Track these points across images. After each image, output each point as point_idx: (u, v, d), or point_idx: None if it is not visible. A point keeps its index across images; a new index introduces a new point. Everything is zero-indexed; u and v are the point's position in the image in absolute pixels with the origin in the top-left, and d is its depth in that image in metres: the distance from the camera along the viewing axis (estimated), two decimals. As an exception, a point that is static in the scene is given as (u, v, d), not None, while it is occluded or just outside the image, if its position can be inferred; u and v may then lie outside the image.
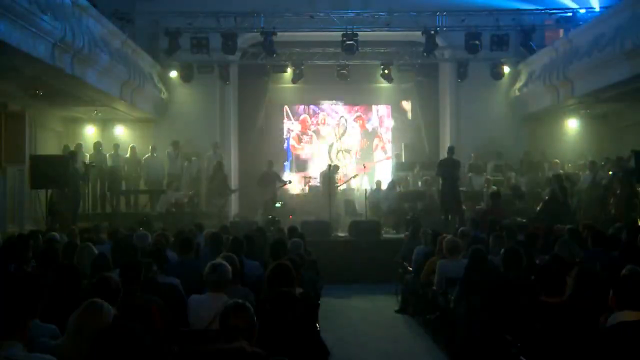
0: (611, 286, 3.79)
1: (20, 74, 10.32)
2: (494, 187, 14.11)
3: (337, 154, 19.62)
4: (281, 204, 15.77)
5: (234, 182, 17.20)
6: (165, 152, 16.11)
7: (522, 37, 15.00)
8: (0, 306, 3.32)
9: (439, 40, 15.30)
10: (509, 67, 16.59)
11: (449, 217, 13.37)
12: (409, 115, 19.35)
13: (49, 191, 11.91)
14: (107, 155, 15.45)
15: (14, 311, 3.27)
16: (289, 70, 16.85)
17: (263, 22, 14.98)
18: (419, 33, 14.98)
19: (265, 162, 16.82)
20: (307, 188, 17.48)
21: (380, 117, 19.85)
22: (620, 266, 5.05)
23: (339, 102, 19.61)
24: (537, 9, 15.56)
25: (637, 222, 11.21)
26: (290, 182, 17.25)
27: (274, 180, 16.09)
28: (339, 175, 17.23)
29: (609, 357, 3.53)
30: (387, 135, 19.74)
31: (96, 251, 6.40)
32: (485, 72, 16.30)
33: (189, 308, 4.84)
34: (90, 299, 3.57)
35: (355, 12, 15.41)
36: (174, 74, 16.55)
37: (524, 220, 11.45)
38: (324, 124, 19.69)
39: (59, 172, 11.49)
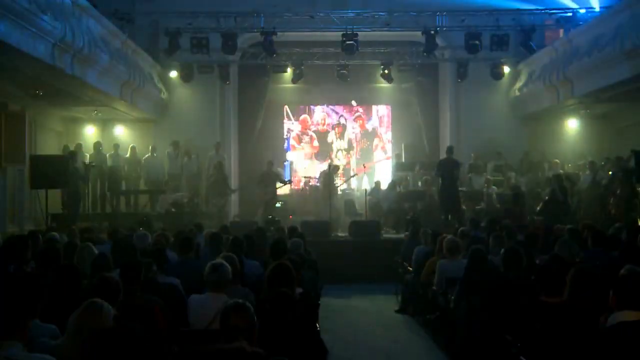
0: (611, 286, 3.79)
1: (20, 74, 10.32)
2: (517, 185, 13.74)
3: (336, 153, 19.63)
4: (281, 204, 15.78)
5: (234, 182, 17.20)
6: (165, 152, 16.12)
7: (522, 37, 15.00)
8: (0, 306, 3.33)
9: (439, 40, 15.30)
10: (509, 67, 16.59)
11: (449, 217, 13.37)
12: (409, 115, 19.34)
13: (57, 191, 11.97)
14: (107, 155, 15.44)
15: (14, 311, 3.27)
16: (289, 70, 16.85)
17: (263, 22, 14.98)
18: (419, 33, 14.97)
19: (265, 162, 16.82)
20: (307, 188, 17.49)
21: (380, 117, 19.86)
22: (620, 266, 5.05)
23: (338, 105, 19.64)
24: (537, 9, 15.55)
25: (637, 222, 11.21)
26: (290, 182, 17.25)
27: (274, 180, 16.08)
28: (339, 175, 17.26)
29: (609, 357, 3.53)
30: (387, 135, 19.75)
31: (96, 251, 6.40)
32: (485, 72, 16.29)
33: (189, 308, 4.84)
34: (90, 299, 3.57)
35: (355, 12, 15.41)
36: (174, 74, 16.55)
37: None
38: (323, 124, 19.70)
39: (59, 172, 11.49)
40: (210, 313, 4.56)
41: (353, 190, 17.76)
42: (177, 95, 17.00)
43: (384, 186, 16.34)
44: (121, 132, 16.69)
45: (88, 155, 14.81)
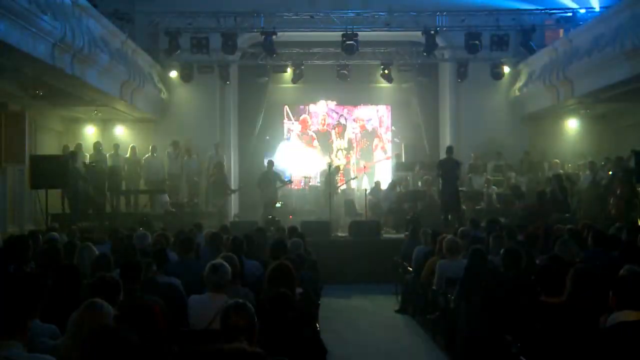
0: (611, 286, 3.79)
1: (20, 74, 10.32)
2: (554, 177, 13.58)
3: (336, 152, 19.63)
4: (281, 204, 15.78)
5: (234, 182, 17.20)
6: (165, 152, 16.13)
7: (522, 37, 15.00)
8: (0, 306, 3.33)
9: (439, 40, 15.30)
10: (509, 67, 16.58)
11: (449, 217, 13.37)
12: (409, 115, 19.35)
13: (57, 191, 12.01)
14: (107, 155, 15.44)
15: (14, 311, 3.27)
16: (289, 70, 16.85)
17: (263, 22, 14.99)
18: (419, 33, 14.97)
19: (265, 162, 16.84)
20: (307, 188, 17.51)
21: (380, 117, 19.86)
22: (620, 266, 5.05)
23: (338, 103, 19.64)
24: (537, 9, 15.56)
25: (637, 222, 11.21)
26: (291, 182, 17.25)
27: (274, 180, 16.08)
28: (339, 175, 17.27)
29: (609, 357, 3.53)
30: (387, 135, 19.75)
31: (96, 251, 6.40)
32: (485, 72, 16.29)
33: (189, 308, 4.84)
34: (90, 299, 3.57)
35: (355, 12, 15.41)
36: (174, 74, 16.54)
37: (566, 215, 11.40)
38: (324, 124, 19.71)
39: (59, 172, 11.49)
40: (210, 313, 4.56)
41: (353, 190, 17.76)
42: (177, 95, 16.99)
43: (384, 186, 16.35)
44: (121, 132, 16.68)
45: (88, 155, 14.81)
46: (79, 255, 6.50)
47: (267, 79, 17.68)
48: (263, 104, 18.43)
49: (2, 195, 12.32)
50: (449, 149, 13.80)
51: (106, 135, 16.42)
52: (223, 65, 16.32)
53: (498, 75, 16.37)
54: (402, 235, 12.73)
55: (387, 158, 19.54)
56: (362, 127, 19.74)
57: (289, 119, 19.58)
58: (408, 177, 17.05)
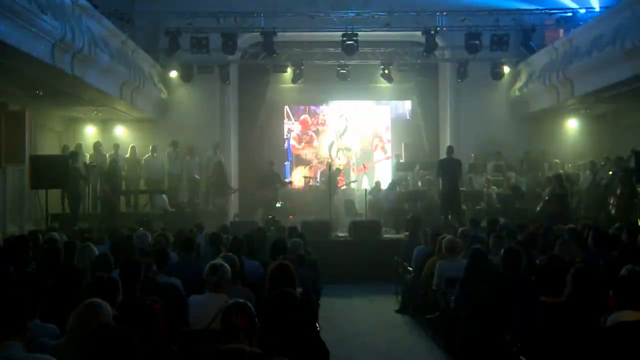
0: (611, 286, 3.79)
1: (20, 74, 10.32)
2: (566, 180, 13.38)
3: (337, 152, 19.63)
4: (281, 204, 15.78)
5: (234, 182, 17.20)
6: (165, 152, 16.13)
7: (522, 37, 15.00)
8: (0, 306, 3.33)
9: (439, 40, 15.30)
10: (509, 67, 16.58)
11: (449, 217, 13.37)
12: (409, 115, 19.35)
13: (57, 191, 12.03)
14: (107, 155, 15.44)
15: (14, 311, 3.27)
16: (289, 70, 16.84)
17: (263, 22, 14.99)
18: (419, 33, 14.98)
19: (265, 162, 16.83)
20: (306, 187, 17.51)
21: (380, 117, 19.85)
22: (620, 266, 5.05)
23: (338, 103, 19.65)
24: (537, 9, 15.55)
25: (637, 222, 11.20)
26: (292, 182, 17.25)
27: (274, 180, 16.09)
28: (339, 177, 17.29)
29: (609, 357, 3.53)
30: (387, 135, 19.75)
31: (96, 251, 6.40)
32: (485, 72, 16.28)
33: (189, 308, 4.84)
34: (89, 299, 3.57)
35: (355, 12, 15.41)
36: (174, 74, 16.54)
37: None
38: (324, 124, 19.71)
39: (59, 172, 11.49)
40: (210, 313, 4.56)
41: (353, 190, 17.76)
42: (177, 95, 16.99)
43: (384, 186, 16.34)
44: (121, 132, 16.68)
45: (88, 155, 14.81)
46: (79, 255, 6.51)
47: (267, 79, 17.69)
48: (263, 104, 18.43)
49: (2, 195, 12.32)
50: (450, 149, 13.80)
51: (106, 135, 16.41)
52: (223, 65, 16.32)
53: (498, 75, 16.37)
54: (402, 235, 12.73)
55: (387, 158, 19.54)
56: (362, 127, 19.74)
57: (289, 119, 19.58)
58: (408, 177, 17.05)
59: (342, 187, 17.12)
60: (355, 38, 14.61)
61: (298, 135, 19.63)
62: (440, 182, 13.77)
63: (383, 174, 18.67)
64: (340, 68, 16.47)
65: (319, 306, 7.01)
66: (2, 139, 11.83)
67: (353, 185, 18.15)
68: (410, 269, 9.33)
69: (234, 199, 17.10)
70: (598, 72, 12.50)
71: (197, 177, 16.12)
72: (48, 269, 5.55)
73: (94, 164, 13.88)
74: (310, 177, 18.01)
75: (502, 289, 5.45)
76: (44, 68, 10.01)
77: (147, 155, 15.93)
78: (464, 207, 14.28)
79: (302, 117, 19.65)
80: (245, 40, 16.50)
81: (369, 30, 15.28)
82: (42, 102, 12.86)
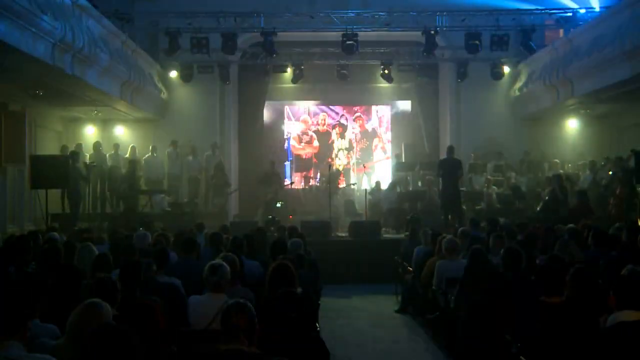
0: (611, 286, 3.79)
1: (20, 74, 10.32)
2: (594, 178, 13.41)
3: (337, 152, 19.64)
4: (281, 204, 15.79)
5: (234, 182, 17.20)
6: (165, 152, 16.13)
7: (522, 37, 14.99)
8: (0, 306, 3.33)
9: (439, 40, 15.29)
10: (509, 67, 16.59)
11: (449, 217, 13.36)
12: (409, 114, 19.35)
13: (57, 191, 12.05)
14: (107, 155, 15.44)
15: (14, 311, 3.27)
16: (289, 70, 16.84)
17: (263, 22, 14.98)
18: (419, 33, 14.97)
19: (265, 162, 16.83)
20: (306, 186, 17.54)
21: (380, 117, 19.86)
22: (620, 266, 5.05)
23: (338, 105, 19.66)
24: (537, 9, 15.55)
25: (637, 222, 11.20)
26: (292, 182, 17.25)
27: (275, 180, 16.10)
28: (340, 177, 17.33)
29: (609, 357, 3.53)
30: (387, 135, 19.76)
31: (96, 251, 6.40)
32: (485, 72, 16.29)
33: (188, 308, 4.84)
34: (89, 299, 3.56)
35: (355, 12, 15.41)
36: (174, 74, 16.55)
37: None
38: (324, 124, 19.72)
39: (59, 172, 11.49)
40: (210, 313, 4.56)
41: (353, 190, 17.77)
42: (177, 95, 17.00)
43: (384, 186, 16.34)
44: (121, 132, 16.68)
45: (88, 155, 14.81)
46: (79, 255, 6.51)
47: (267, 79, 17.69)
48: (263, 104, 18.43)
49: (2, 195, 12.31)
50: (450, 149, 13.77)
51: (106, 135, 16.42)
52: (223, 65, 16.33)
53: (498, 75, 16.37)
54: (402, 235, 12.73)
55: (387, 158, 19.55)
56: (362, 126, 19.77)
57: (289, 119, 19.59)
58: (408, 177, 17.05)
59: (342, 186, 17.13)
60: (355, 38, 14.61)
61: (298, 135, 19.63)
62: (441, 182, 13.76)
63: (383, 174, 18.67)
64: (340, 68, 16.47)
65: (319, 306, 7.01)
66: (2, 139, 11.84)
67: (353, 180, 18.19)
68: (410, 269, 9.32)
69: (234, 199, 17.10)
70: (598, 72, 12.50)
71: (199, 177, 16.12)
72: (48, 269, 5.55)
73: (95, 164, 13.88)
74: (310, 177, 18.02)
75: (502, 289, 5.45)
76: (44, 68, 10.01)
77: (147, 155, 15.93)
78: (464, 207, 14.27)
79: (302, 117, 19.66)
80: (245, 40, 16.50)
81: (369, 30, 15.28)
82: (42, 102, 12.86)
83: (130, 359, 2.46)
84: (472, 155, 16.39)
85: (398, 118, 19.59)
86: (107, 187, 14.64)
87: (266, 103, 18.54)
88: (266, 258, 7.08)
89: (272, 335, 3.81)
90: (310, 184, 18.59)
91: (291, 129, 19.59)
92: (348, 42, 14.60)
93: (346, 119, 19.80)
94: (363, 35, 14.97)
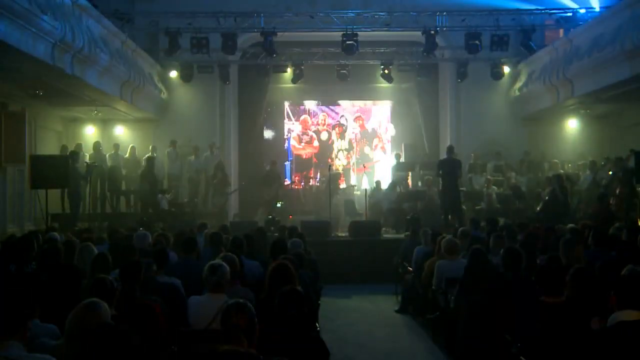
0: (611, 286, 3.79)
1: (20, 74, 10.32)
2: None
3: (337, 153, 19.64)
4: (281, 204, 15.79)
5: (233, 182, 17.21)
6: (165, 152, 16.13)
7: (522, 37, 14.99)
8: (0, 306, 3.33)
9: (439, 40, 15.29)
10: (509, 67, 16.58)
11: (449, 217, 13.37)
12: (409, 115, 19.35)
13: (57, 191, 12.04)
14: (107, 155, 15.44)
15: (14, 311, 3.27)
16: (289, 70, 16.84)
17: (263, 22, 14.98)
18: (419, 33, 14.97)
19: (266, 161, 16.83)
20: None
21: (380, 117, 19.87)
22: (621, 266, 5.05)
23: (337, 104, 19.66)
24: (537, 9, 15.55)
25: (637, 222, 11.20)
26: (292, 182, 17.26)
27: (276, 180, 16.11)
28: (339, 180, 17.35)
29: (609, 357, 3.53)
30: (387, 135, 19.76)
31: (96, 251, 6.40)
32: (485, 72, 16.29)
33: (188, 309, 4.84)
34: (86, 298, 3.56)
35: (355, 12, 15.42)
36: (174, 74, 16.55)
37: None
38: (324, 124, 19.72)
39: (59, 172, 11.48)
40: (210, 313, 4.56)
41: (353, 190, 17.77)
42: (177, 95, 17.00)
43: (384, 186, 16.34)
44: (121, 132, 16.68)
45: (88, 155, 14.81)
46: (79, 255, 6.51)
47: (267, 79, 17.68)
48: (263, 104, 18.43)
49: (2, 195, 12.32)
50: (450, 149, 13.78)
51: (106, 135, 16.42)
52: (223, 65, 16.32)
53: (498, 75, 16.37)
54: (402, 235, 12.73)
55: (387, 158, 19.55)
56: (362, 127, 19.77)
57: (289, 119, 19.59)
58: (408, 177, 17.05)
59: (342, 186, 17.14)
60: (355, 38, 14.61)
61: (298, 135, 19.64)
62: (441, 182, 13.76)
63: (383, 174, 18.68)
64: (340, 68, 16.47)
65: (319, 306, 7.01)
66: (2, 139, 11.84)
67: (353, 179, 18.22)
68: (410, 269, 9.33)
69: (234, 199, 17.10)
70: (598, 72, 12.50)
71: (202, 176, 16.12)
72: (48, 269, 5.55)
73: (96, 164, 13.88)
74: (310, 177, 18.03)
75: (502, 289, 5.45)
76: (44, 68, 10.01)
77: (147, 155, 15.92)
78: (464, 207, 14.28)
79: (302, 117, 19.67)
80: (245, 40, 16.51)
81: (369, 30, 15.28)
82: (42, 102, 12.87)
83: (130, 359, 2.45)
84: (472, 155, 16.38)
85: (398, 118, 19.59)
86: (107, 187, 14.63)
87: (266, 103, 18.54)
88: (266, 258, 7.08)
89: (272, 335, 3.81)
90: (310, 184, 18.59)
91: (291, 128, 19.60)
92: (348, 42, 14.60)
93: (346, 119, 19.81)
94: (363, 35, 14.97)
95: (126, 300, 4.22)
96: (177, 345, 4.41)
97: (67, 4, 10.36)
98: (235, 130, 18.10)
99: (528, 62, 16.02)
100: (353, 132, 19.77)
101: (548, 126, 16.98)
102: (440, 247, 7.68)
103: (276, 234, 10.62)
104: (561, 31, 15.86)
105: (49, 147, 14.17)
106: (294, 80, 16.95)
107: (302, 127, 19.67)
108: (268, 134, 19.12)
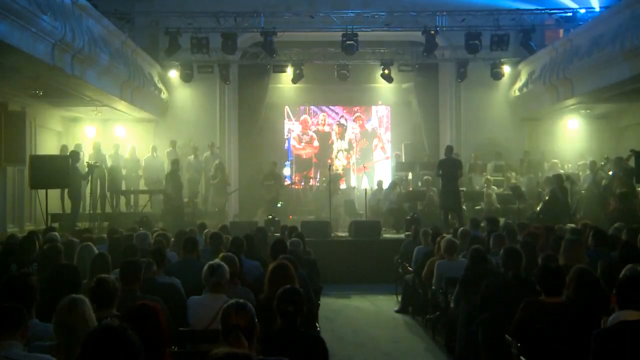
0: (611, 286, 3.79)
1: (20, 74, 10.32)
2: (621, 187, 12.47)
3: (337, 153, 19.65)
4: (281, 204, 15.79)
5: (233, 182, 17.21)
6: (165, 152, 16.13)
7: (522, 37, 14.99)
8: (0, 306, 3.33)
9: (439, 40, 15.29)
10: (509, 67, 16.58)
11: (449, 216, 13.36)
12: (409, 115, 19.36)
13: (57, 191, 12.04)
14: (107, 155, 15.44)
15: (14, 311, 3.27)
16: (289, 70, 16.84)
17: (263, 22, 14.98)
18: (419, 33, 14.97)
19: (266, 162, 16.82)
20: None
21: (380, 117, 19.87)
22: (621, 266, 5.05)
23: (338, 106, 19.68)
24: (537, 9, 15.55)
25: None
26: (293, 182, 17.25)
27: (276, 180, 16.11)
28: (339, 181, 17.36)
29: (610, 356, 3.53)
30: (387, 136, 19.76)
31: (96, 251, 6.40)
32: (485, 72, 16.28)
33: (188, 309, 4.83)
34: (70, 296, 3.54)
35: (355, 12, 15.41)
36: (174, 74, 16.54)
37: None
38: (324, 124, 19.73)
39: (59, 172, 11.49)
40: (210, 314, 4.56)
41: (353, 190, 17.78)
42: (177, 95, 16.99)
43: (384, 186, 16.35)
44: (121, 132, 16.67)
45: (88, 155, 14.81)
46: (79, 255, 6.51)
47: (267, 79, 17.68)
48: (263, 104, 18.43)
49: (2, 195, 12.32)
50: (449, 149, 13.77)
51: (106, 135, 16.41)
52: (223, 65, 16.31)
53: (498, 75, 16.36)
54: (402, 235, 12.73)
55: (387, 158, 19.56)
56: (362, 127, 19.78)
57: (289, 119, 19.59)
58: (408, 177, 17.05)
59: (341, 186, 17.15)
60: (355, 38, 14.60)
61: (298, 135, 19.64)
62: (441, 181, 13.75)
63: (383, 174, 18.68)
64: (340, 68, 16.46)
65: (319, 306, 7.01)
66: (2, 139, 11.84)
67: (353, 181, 18.23)
68: (411, 269, 9.33)
69: (234, 199, 17.10)
70: (598, 71, 12.51)
71: (207, 176, 16.13)
72: (48, 269, 5.55)
73: (97, 164, 13.88)
74: (310, 177, 18.04)
75: (502, 289, 5.45)
76: (44, 68, 10.01)
77: (147, 155, 15.93)
78: (464, 207, 14.27)
79: (302, 117, 19.67)
80: (245, 40, 16.50)
81: (369, 30, 15.28)
82: (42, 102, 12.87)
83: (132, 359, 2.45)
84: (472, 155, 16.38)
85: (398, 118, 19.59)
86: (107, 187, 14.63)
87: (266, 103, 18.54)
88: (266, 258, 7.07)
89: (271, 334, 3.81)
90: (311, 184, 18.59)
91: (291, 129, 19.60)
92: (348, 42, 14.60)
93: (346, 120, 19.81)
94: (363, 35, 14.97)
95: (127, 300, 4.22)
96: (177, 345, 4.41)
97: (67, 4, 10.36)
98: (235, 130, 18.09)
99: (528, 62, 16.02)
100: (353, 132, 19.77)
101: (548, 126, 16.98)
102: (440, 247, 7.68)
103: (276, 234, 10.62)
104: (561, 31, 15.86)
105: (49, 147, 14.18)
106: (294, 81, 16.93)
107: (302, 127, 19.67)
108: (268, 134, 19.11)
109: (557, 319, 4.35)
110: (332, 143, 19.69)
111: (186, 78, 16.27)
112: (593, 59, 12.51)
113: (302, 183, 18.75)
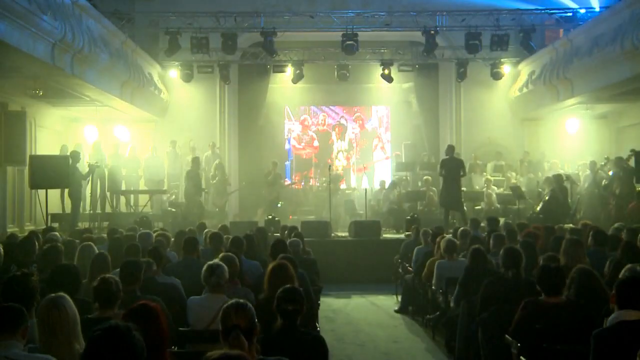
0: (611, 286, 3.79)
1: (20, 74, 10.33)
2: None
3: (337, 154, 19.64)
4: (281, 204, 15.80)
5: (233, 182, 17.21)
6: (165, 152, 16.13)
7: (522, 37, 14.99)
8: (0, 306, 3.33)
9: (439, 40, 15.29)
10: (509, 67, 16.58)
11: (449, 216, 13.35)
12: (409, 115, 19.36)
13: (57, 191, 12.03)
14: (107, 155, 15.42)
15: (14, 311, 3.27)
16: (289, 70, 16.84)
17: (263, 22, 14.99)
18: (419, 33, 14.98)
19: (265, 162, 16.82)
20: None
21: (380, 117, 19.87)
22: (620, 266, 5.05)
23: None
24: (537, 9, 15.56)
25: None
26: (293, 182, 17.25)
27: (277, 180, 16.11)
28: (340, 181, 17.36)
29: (609, 356, 3.53)
30: (387, 136, 19.76)
31: (97, 251, 6.40)
32: (485, 72, 16.29)
33: (188, 309, 4.83)
34: (52, 295, 3.54)
35: (355, 12, 15.42)
36: (174, 74, 16.54)
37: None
38: (324, 124, 19.73)
39: (59, 172, 11.49)
40: (209, 314, 4.56)
41: (353, 190, 17.78)
42: (177, 95, 16.99)
43: (385, 186, 16.34)
44: (121, 132, 16.66)
45: (88, 155, 14.80)
46: (79, 255, 6.51)
47: (267, 79, 17.68)
48: (263, 104, 18.44)
49: (2, 195, 12.32)
50: (450, 148, 13.76)
51: (106, 135, 16.38)
52: (223, 65, 16.31)
53: (498, 75, 16.36)
54: (402, 235, 12.73)
55: (387, 158, 19.56)
56: (362, 127, 19.79)
57: (289, 119, 19.59)
58: (408, 177, 17.06)
59: (342, 186, 17.15)
60: (355, 38, 14.61)
61: (298, 135, 19.64)
62: (442, 181, 13.72)
63: (383, 174, 18.68)
64: (340, 68, 16.46)
65: (319, 306, 7.01)
66: (2, 139, 11.85)
67: (353, 181, 18.24)
68: (411, 269, 9.33)
69: (234, 199, 17.10)
70: (598, 71, 12.51)
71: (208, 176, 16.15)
72: (48, 269, 5.55)
73: (98, 164, 13.88)
74: (310, 177, 18.04)
75: (502, 288, 5.45)
76: (43, 68, 10.02)
77: (147, 155, 15.93)
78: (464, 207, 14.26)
79: (302, 117, 19.67)
80: (245, 40, 16.50)
81: (369, 30, 15.28)
82: (42, 102, 12.88)
83: (135, 358, 2.45)
84: (472, 155, 16.38)
85: (398, 118, 19.60)
86: (107, 187, 14.63)
87: (266, 103, 18.55)
88: (266, 258, 7.07)
89: (271, 334, 3.81)
90: (311, 184, 18.59)
91: (291, 129, 19.60)
92: (348, 42, 14.60)
93: (346, 120, 19.81)
94: (363, 35, 14.98)
95: (126, 300, 4.22)
96: (177, 345, 4.41)
97: (67, 4, 10.36)
98: (235, 130, 18.09)
99: (528, 62, 16.02)
100: (353, 132, 19.77)
101: (548, 126, 16.98)
102: (440, 247, 7.68)
103: (276, 234, 10.62)
104: (561, 31, 15.86)
105: (49, 147, 14.17)
106: (294, 81, 16.93)
107: (303, 128, 19.67)
108: (268, 134, 19.11)
109: (557, 319, 4.35)
110: (332, 143, 19.69)
111: (186, 78, 16.27)
112: (593, 59, 12.51)
113: (302, 183, 18.75)
